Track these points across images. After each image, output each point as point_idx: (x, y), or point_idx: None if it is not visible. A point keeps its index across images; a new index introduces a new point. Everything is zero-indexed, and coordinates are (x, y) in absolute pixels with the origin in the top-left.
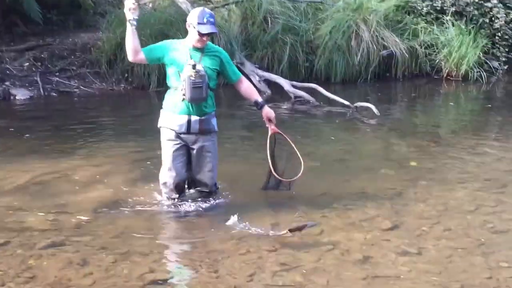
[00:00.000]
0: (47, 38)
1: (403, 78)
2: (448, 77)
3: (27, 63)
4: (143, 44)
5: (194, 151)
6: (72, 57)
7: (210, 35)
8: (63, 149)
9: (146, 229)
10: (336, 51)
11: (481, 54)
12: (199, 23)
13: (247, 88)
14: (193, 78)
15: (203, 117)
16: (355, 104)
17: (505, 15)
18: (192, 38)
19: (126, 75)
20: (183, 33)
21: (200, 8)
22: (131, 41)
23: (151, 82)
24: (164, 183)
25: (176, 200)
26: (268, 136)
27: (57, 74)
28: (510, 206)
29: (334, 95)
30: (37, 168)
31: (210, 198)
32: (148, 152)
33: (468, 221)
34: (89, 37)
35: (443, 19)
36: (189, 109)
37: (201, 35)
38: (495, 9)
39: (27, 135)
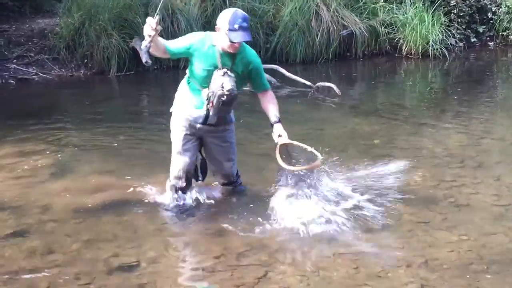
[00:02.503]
0: (3, 25)
1: (363, 57)
2: (408, 55)
3: None
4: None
5: (209, 141)
6: (30, 43)
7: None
8: (23, 138)
9: (115, 215)
10: (296, 32)
11: (438, 31)
12: (230, 30)
13: (268, 101)
14: (223, 99)
15: (221, 114)
16: (317, 84)
17: None
18: (223, 42)
19: (85, 60)
20: (142, 17)
21: (232, 10)
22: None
23: (111, 66)
24: (175, 170)
25: (181, 191)
26: (277, 150)
27: (15, 61)
28: (469, 180)
29: (296, 75)
30: None
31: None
32: (108, 137)
33: (429, 196)
34: (46, 23)
35: None
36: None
37: (232, 42)
38: None
39: None
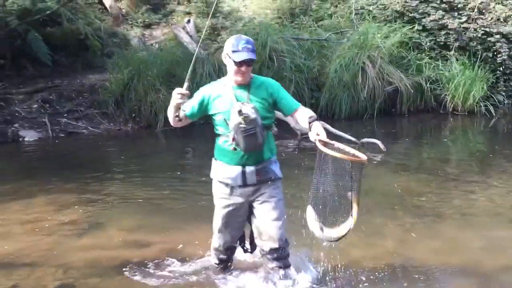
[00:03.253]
0: (56, 80)
1: (408, 113)
2: (454, 112)
3: (36, 105)
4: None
5: (255, 203)
6: (80, 98)
7: (248, 64)
8: (69, 189)
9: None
10: (341, 88)
11: (485, 88)
12: (233, 51)
13: (303, 113)
14: (243, 126)
15: (259, 166)
16: (362, 140)
17: (508, 50)
18: (231, 72)
19: (133, 115)
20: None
21: (237, 35)
22: (177, 125)
23: (158, 121)
24: (216, 245)
25: (223, 262)
26: (318, 145)
27: (65, 115)
28: None
29: (340, 131)
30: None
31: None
32: (155, 192)
33: (478, 257)
34: (96, 78)
35: (447, 54)
36: (242, 159)
37: (237, 64)
38: (498, 44)
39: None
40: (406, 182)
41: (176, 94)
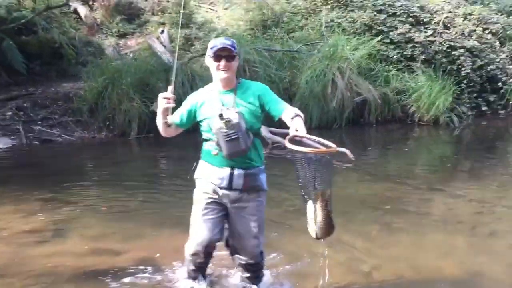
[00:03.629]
0: (30, 88)
1: (376, 123)
2: (420, 122)
3: (10, 112)
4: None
5: (234, 212)
6: (54, 106)
7: (227, 59)
8: (38, 197)
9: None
10: (312, 98)
11: (450, 99)
12: (211, 48)
13: (289, 111)
14: (224, 130)
15: (248, 171)
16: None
17: (471, 63)
18: (214, 74)
19: (107, 123)
20: (163, 82)
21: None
22: (167, 134)
23: (132, 129)
24: (191, 245)
25: (199, 268)
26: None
27: (39, 123)
28: (482, 249)
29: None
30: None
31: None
32: (126, 199)
33: (442, 265)
34: (71, 87)
35: (414, 66)
36: (231, 161)
37: (215, 58)
38: (462, 57)
39: None
40: (371, 189)
41: (162, 99)
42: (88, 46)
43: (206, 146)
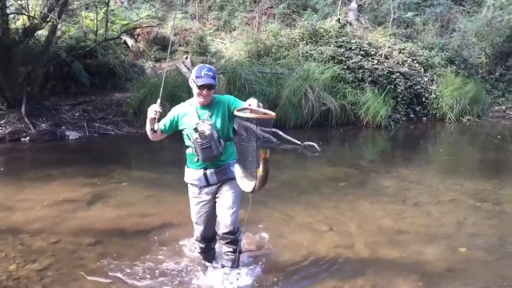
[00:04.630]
0: (92, 96)
1: (336, 125)
2: (367, 125)
3: (77, 113)
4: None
5: (218, 196)
6: (109, 109)
7: (209, 88)
8: (94, 174)
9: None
10: (290, 106)
11: (389, 109)
12: (197, 77)
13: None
14: (199, 140)
15: (218, 168)
16: (304, 143)
17: (404, 83)
18: (195, 94)
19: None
20: (186, 94)
21: (201, 64)
22: (154, 138)
23: None
24: (196, 235)
25: (202, 251)
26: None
27: (98, 121)
28: (409, 214)
29: (289, 136)
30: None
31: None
32: (160, 177)
33: (381, 223)
34: (121, 96)
35: (363, 86)
36: (204, 164)
37: (199, 88)
38: (398, 79)
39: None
40: (333, 172)
41: (151, 111)
42: (133, 67)
43: (188, 152)
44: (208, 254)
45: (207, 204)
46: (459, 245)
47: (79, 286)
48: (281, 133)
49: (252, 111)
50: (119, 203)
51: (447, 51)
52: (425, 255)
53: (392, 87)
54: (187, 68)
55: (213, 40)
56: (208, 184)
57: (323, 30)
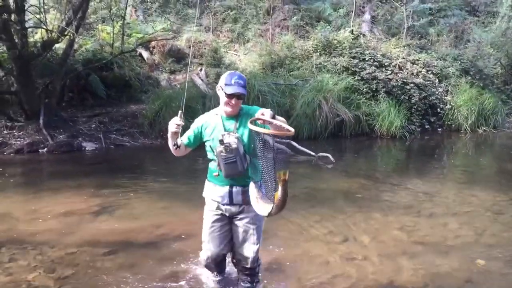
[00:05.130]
0: (108, 108)
1: (350, 136)
2: (381, 136)
3: (94, 125)
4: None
5: (237, 223)
6: (125, 121)
7: (238, 98)
8: (116, 184)
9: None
10: (304, 118)
11: (403, 120)
12: (226, 84)
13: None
14: (224, 154)
15: (247, 188)
16: (318, 154)
17: (418, 94)
18: (222, 102)
19: (161, 133)
20: (200, 105)
21: (231, 71)
22: (178, 154)
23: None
24: (204, 257)
25: (213, 275)
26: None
27: (114, 132)
28: (424, 225)
29: (303, 147)
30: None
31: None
32: (175, 188)
33: (395, 235)
34: (136, 108)
35: (377, 96)
36: (229, 180)
37: (228, 96)
38: (412, 90)
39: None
40: (347, 182)
41: (172, 124)
42: (149, 79)
43: (210, 166)
44: (219, 277)
45: (224, 224)
46: (477, 257)
47: None
48: (295, 144)
49: (265, 122)
50: (134, 214)
51: (461, 62)
52: (442, 267)
53: (407, 97)
54: (202, 80)
55: (227, 52)
56: (231, 203)
57: (336, 41)
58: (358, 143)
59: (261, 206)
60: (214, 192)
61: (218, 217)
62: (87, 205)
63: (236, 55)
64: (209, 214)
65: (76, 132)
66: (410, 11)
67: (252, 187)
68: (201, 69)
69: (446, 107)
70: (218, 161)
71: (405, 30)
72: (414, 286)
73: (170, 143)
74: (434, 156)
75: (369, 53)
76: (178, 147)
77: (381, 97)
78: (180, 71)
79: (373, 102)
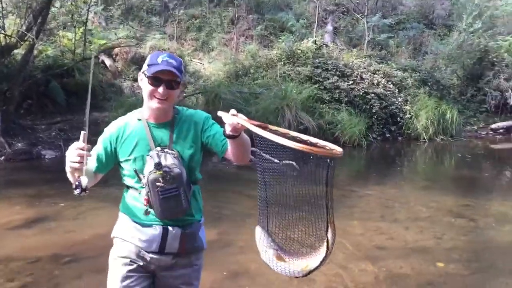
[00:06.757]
0: (68, 115)
1: None
2: (344, 144)
3: (54, 133)
4: None
5: (165, 282)
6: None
7: (169, 84)
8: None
9: None
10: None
11: (364, 129)
12: (149, 65)
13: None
14: (161, 185)
15: (187, 230)
16: (282, 162)
17: (379, 104)
18: (146, 97)
19: None
20: None
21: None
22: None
23: None
24: None
25: None
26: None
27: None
28: (387, 230)
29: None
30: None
31: None
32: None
33: (358, 240)
34: (98, 115)
35: (339, 106)
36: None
37: (151, 81)
38: (373, 100)
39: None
40: (311, 191)
41: (73, 152)
42: (111, 87)
43: (129, 198)
44: None
45: (144, 276)
46: (437, 260)
47: None
48: (259, 151)
49: (307, 143)
50: (93, 222)
51: (419, 73)
52: (404, 269)
53: (368, 107)
54: None
55: (192, 60)
56: (162, 252)
57: (300, 51)
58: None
59: (289, 263)
60: (135, 233)
61: (136, 267)
62: (47, 212)
63: (201, 63)
64: (119, 265)
65: (35, 139)
66: (371, 25)
67: (259, 232)
68: None
69: (406, 116)
70: (148, 194)
71: (366, 41)
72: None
73: (72, 180)
74: (395, 164)
75: (332, 63)
76: (84, 190)
77: (343, 106)
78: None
79: (335, 111)
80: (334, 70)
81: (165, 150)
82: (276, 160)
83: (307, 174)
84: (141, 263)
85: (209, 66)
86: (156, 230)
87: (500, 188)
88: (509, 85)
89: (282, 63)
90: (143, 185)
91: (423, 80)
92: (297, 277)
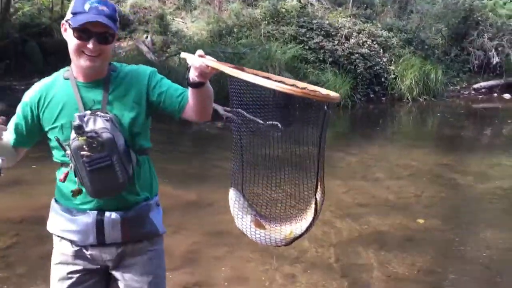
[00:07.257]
0: (47, 76)
1: (298, 105)
2: (328, 105)
3: None
4: None
5: (118, 275)
6: None
7: (99, 38)
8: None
9: None
10: None
11: (349, 89)
12: (74, 13)
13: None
14: (86, 153)
15: (130, 213)
16: (266, 122)
17: (364, 64)
18: (72, 53)
19: None
20: None
21: None
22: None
23: None
24: None
25: None
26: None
27: None
28: (369, 189)
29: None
30: None
31: None
32: None
33: (340, 199)
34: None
35: (324, 66)
36: (96, 200)
37: (77, 34)
38: (357, 60)
39: None
40: (293, 150)
41: None
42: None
43: (59, 176)
44: None
45: (91, 274)
46: (417, 217)
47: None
48: (244, 112)
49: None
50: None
51: (405, 33)
52: (385, 226)
53: (352, 67)
54: (148, 47)
55: (174, 19)
56: (102, 244)
57: (284, 10)
58: (305, 112)
59: (268, 231)
60: (65, 225)
61: (76, 273)
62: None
63: (183, 22)
64: (60, 266)
65: (15, 101)
66: None
67: (232, 194)
68: (146, 37)
69: (390, 76)
70: (75, 167)
71: (351, 0)
72: (359, 244)
73: None
74: (379, 124)
75: (317, 22)
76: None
77: (328, 66)
78: (125, 38)
79: (320, 72)
80: (319, 30)
81: (97, 113)
82: (260, 121)
83: (296, 131)
84: (81, 263)
85: (192, 26)
86: (89, 217)
87: (480, 147)
88: (492, 45)
89: (266, 22)
90: (68, 156)
91: (408, 40)
92: (278, 246)
